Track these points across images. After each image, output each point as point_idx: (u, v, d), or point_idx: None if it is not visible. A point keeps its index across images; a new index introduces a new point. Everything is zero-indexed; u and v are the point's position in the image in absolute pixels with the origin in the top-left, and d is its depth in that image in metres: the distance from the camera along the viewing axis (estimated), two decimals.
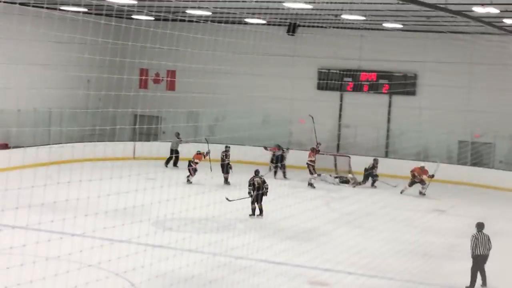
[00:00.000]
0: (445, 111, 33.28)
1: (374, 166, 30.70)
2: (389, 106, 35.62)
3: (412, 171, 28.67)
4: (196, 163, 28.25)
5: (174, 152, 32.05)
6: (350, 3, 23.77)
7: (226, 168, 29.13)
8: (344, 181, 31.54)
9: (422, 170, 28.48)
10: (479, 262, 16.67)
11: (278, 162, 31.49)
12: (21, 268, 11.98)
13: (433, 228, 23.32)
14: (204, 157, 28.84)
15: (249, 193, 22.76)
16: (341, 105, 36.43)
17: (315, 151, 30.53)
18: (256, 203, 22.60)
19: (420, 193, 28.60)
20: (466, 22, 24.60)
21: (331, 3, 23.55)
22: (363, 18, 27.85)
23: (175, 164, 32.34)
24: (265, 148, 31.69)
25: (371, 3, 22.96)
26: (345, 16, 27.22)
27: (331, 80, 35.43)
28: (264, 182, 22.78)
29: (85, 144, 29.77)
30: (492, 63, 31.60)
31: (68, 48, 30.19)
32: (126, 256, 14.73)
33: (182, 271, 15.18)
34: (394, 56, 33.30)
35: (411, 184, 28.59)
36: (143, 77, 36.84)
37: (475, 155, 33.13)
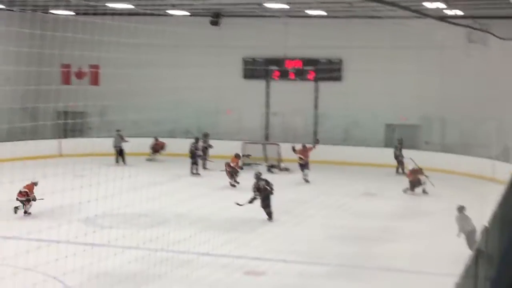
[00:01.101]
0: (371, 95, 33.84)
1: (397, 147, 30.86)
2: (316, 92, 36.02)
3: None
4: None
5: (118, 149, 32.05)
6: None
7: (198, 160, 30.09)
8: (272, 166, 31.84)
9: (413, 171, 27.19)
10: (473, 236, 17.00)
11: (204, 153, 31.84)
12: None
13: (365, 212, 23.67)
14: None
15: (254, 198, 21.67)
16: (268, 93, 36.60)
17: (307, 149, 29.58)
18: (264, 208, 21.71)
19: (424, 191, 26.67)
20: (389, 8, 24.93)
21: None
22: (287, 6, 28.00)
23: (123, 161, 32.20)
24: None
25: None
26: (268, 5, 27.34)
27: (257, 69, 35.69)
28: (267, 183, 21.89)
29: (5, 144, 29.12)
30: (416, 47, 32.24)
31: None
32: (64, 257, 14.51)
33: (124, 269, 15.21)
34: (319, 42, 33.49)
35: (412, 187, 26.77)
36: (65, 70, 36.47)
37: (402, 137, 33.76)
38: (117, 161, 31.92)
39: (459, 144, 31.95)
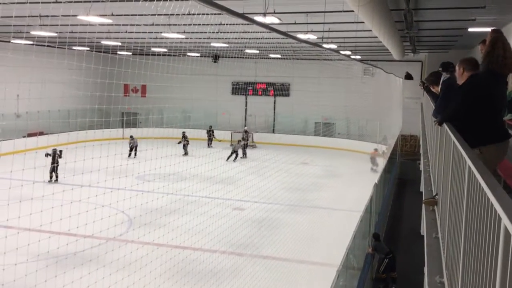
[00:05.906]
0: (306, 105, 33.68)
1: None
2: (274, 103, 35.83)
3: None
4: None
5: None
6: (249, 42, 23.51)
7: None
8: (246, 145, 31.42)
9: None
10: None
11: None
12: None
13: (302, 173, 23.61)
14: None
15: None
16: (246, 103, 36.35)
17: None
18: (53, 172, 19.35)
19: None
20: (317, 51, 24.46)
21: (238, 43, 23.29)
22: (257, 51, 27.73)
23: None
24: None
25: (261, 43, 22.64)
26: (247, 51, 27.06)
27: (240, 88, 35.44)
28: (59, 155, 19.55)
29: (94, 131, 28.46)
30: (333, 76, 31.98)
31: (79, 73, 28.93)
32: (129, 198, 14.25)
33: (167, 207, 14.99)
34: (276, 73, 33.29)
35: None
36: (126, 87, 35.78)
37: (324, 130, 33.77)
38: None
39: (357, 134, 32.01)
